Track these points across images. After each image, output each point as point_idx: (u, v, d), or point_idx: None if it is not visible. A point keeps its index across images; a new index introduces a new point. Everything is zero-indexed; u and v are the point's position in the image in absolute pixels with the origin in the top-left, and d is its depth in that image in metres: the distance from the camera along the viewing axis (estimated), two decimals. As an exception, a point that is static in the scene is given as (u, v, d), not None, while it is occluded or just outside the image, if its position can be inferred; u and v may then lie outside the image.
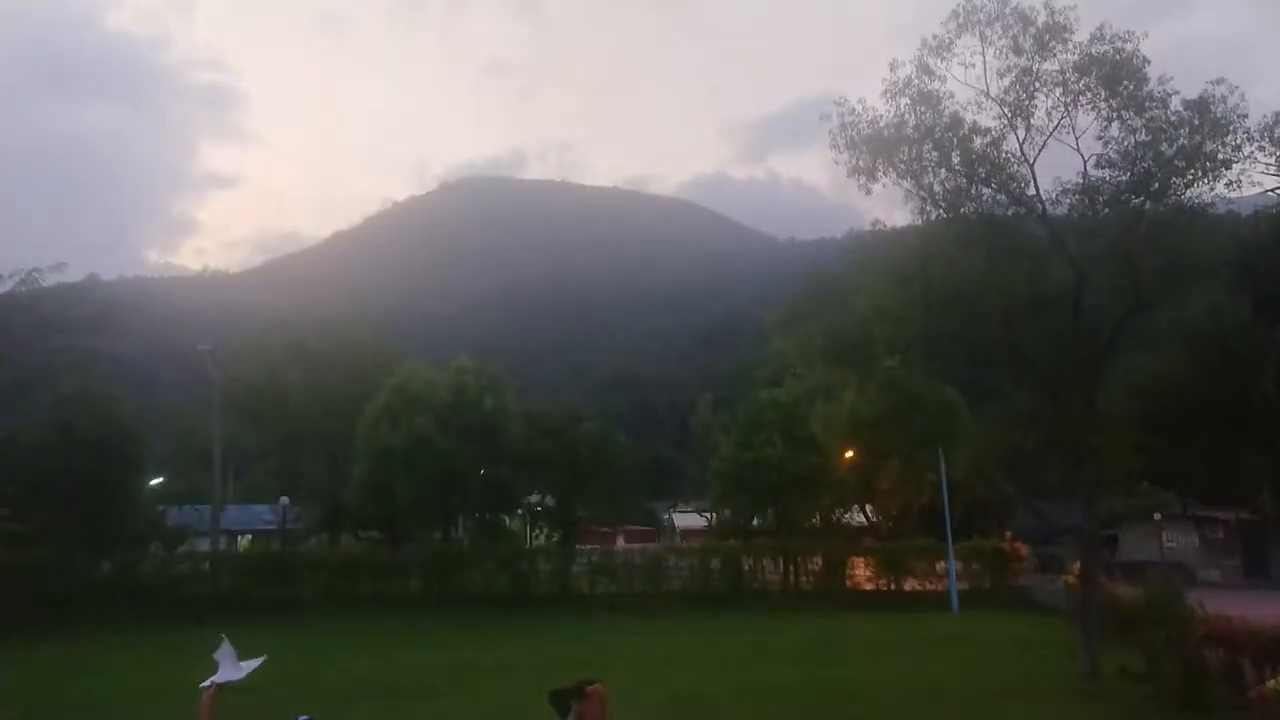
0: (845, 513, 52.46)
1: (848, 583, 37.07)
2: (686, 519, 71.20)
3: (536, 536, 55.62)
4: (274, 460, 53.37)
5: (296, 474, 46.83)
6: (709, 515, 59.45)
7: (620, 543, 56.41)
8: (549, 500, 49.99)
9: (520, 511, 50.16)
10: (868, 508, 51.42)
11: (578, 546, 41.96)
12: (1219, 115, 17.37)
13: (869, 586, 36.94)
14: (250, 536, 58.17)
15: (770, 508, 49.95)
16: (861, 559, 38.15)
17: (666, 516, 76.77)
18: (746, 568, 37.10)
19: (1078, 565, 23.50)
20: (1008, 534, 43.84)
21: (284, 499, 45.91)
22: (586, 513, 50.33)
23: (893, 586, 36.58)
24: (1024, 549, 40.35)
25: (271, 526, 51.16)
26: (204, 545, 39.20)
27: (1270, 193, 12.73)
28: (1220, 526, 43.34)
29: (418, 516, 41.86)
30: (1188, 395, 12.38)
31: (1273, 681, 10.73)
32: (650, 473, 67.14)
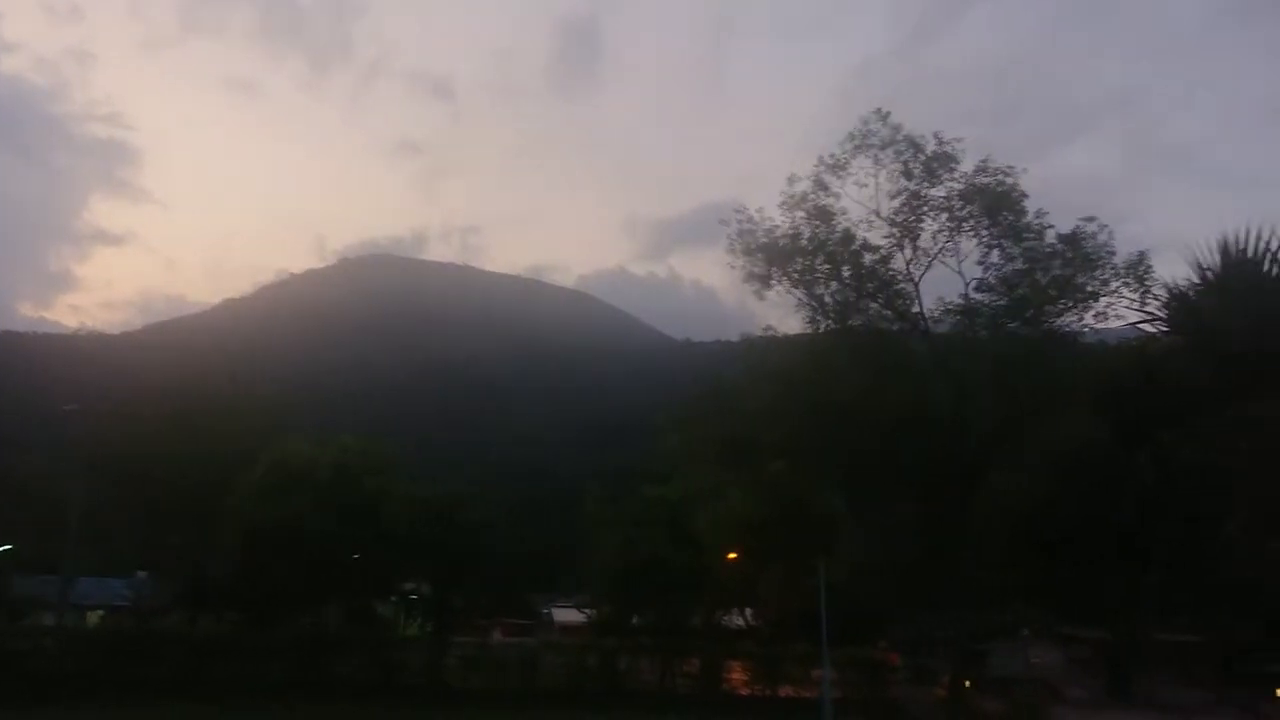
0: (726, 614, 52.21)
1: (724, 686, 36.67)
2: (566, 614, 69.87)
3: (409, 625, 53.78)
4: (137, 531, 50.72)
5: (160, 546, 44.52)
6: (589, 611, 58.50)
7: (496, 635, 54.93)
8: (424, 588, 48.54)
9: (394, 599, 48.55)
10: (748, 611, 51.31)
11: (452, 638, 40.68)
12: (1089, 250, 18.50)
13: (745, 691, 36.60)
14: (102, 612, 54.75)
15: (652, 606, 49.38)
16: (739, 662, 37.85)
17: (546, 610, 75.22)
18: (623, 666, 36.44)
19: (948, 678, 23.85)
20: (881, 644, 44.18)
21: (140, 573, 43.51)
22: (463, 602, 48.97)
23: (768, 692, 36.32)
24: (895, 658, 40.66)
25: (126, 603, 48.29)
26: (52, 618, 36.74)
27: (1131, 326, 13.48)
28: (1087, 645, 44.49)
29: (287, 598, 40.10)
30: (1054, 515, 12.83)
31: None
32: (533, 564, 65.93)
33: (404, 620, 54.18)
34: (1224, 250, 10.96)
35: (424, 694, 33.40)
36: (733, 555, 44.45)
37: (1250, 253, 10.86)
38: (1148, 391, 11.10)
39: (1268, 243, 10.77)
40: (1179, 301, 11.94)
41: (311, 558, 37.37)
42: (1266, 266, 10.72)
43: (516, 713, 30.73)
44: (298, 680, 33.17)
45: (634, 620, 50.15)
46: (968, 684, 29.40)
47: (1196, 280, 11.44)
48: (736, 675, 37.36)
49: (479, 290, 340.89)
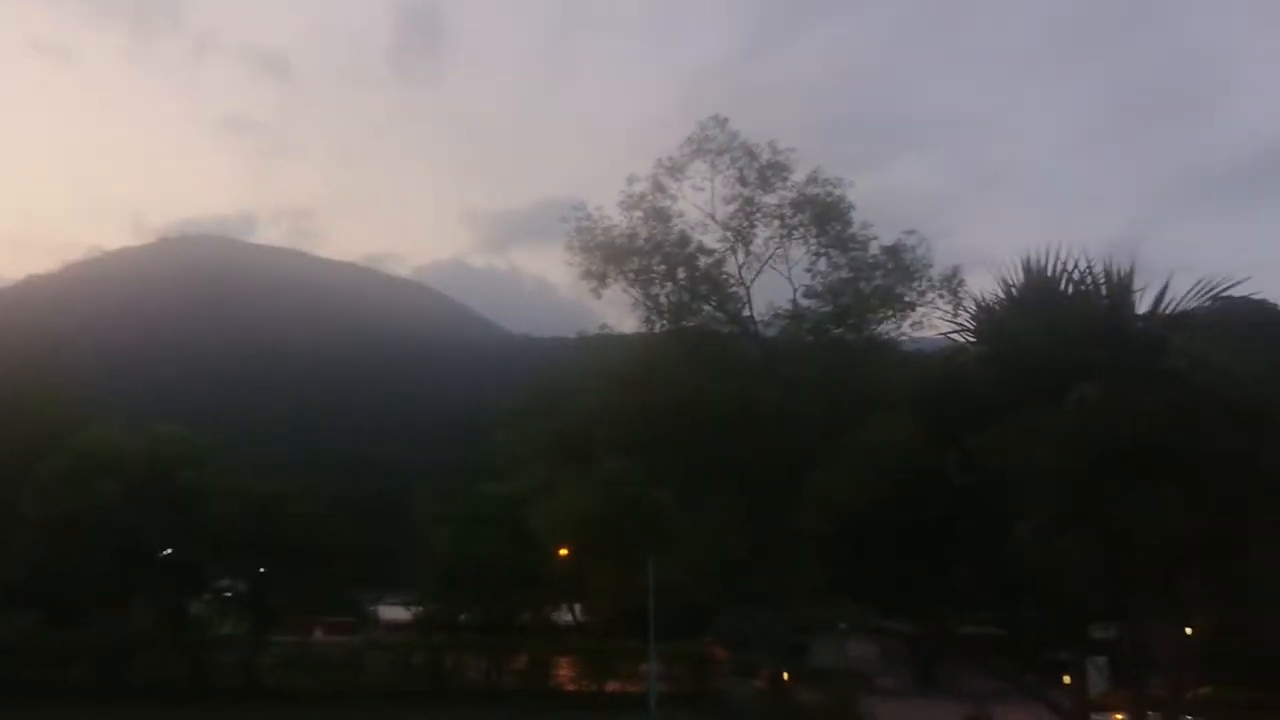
0: (556, 611, 52.30)
1: (552, 682, 36.76)
2: (393, 612, 68.38)
3: (223, 624, 51.41)
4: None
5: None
6: (416, 609, 57.45)
7: (318, 634, 53.17)
8: (241, 585, 46.49)
9: (208, 596, 46.28)
10: (579, 607, 51.53)
11: (271, 637, 39.17)
12: (909, 263, 19.51)
13: (572, 687, 36.80)
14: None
15: (481, 603, 48.97)
16: (566, 658, 38.02)
17: (372, 609, 73.34)
18: (449, 664, 36.00)
19: (768, 671, 24.71)
20: (707, 638, 45.18)
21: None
22: (283, 600, 47.17)
23: (596, 687, 36.62)
24: (720, 652, 41.70)
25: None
26: None
27: (944, 335, 14.26)
28: (899, 638, 46.79)
29: (91, 595, 37.68)
30: (870, 515, 13.47)
31: None
32: (360, 561, 64.13)
33: (219, 619, 51.76)
34: (1027, 268, 11.68)
35: (240, 695, 32.10)
36: (564, 552, 44.58)
37: (1049, 271, 11.61)
38: (955, 398, 11.73)
39: (1064, 263, 11.52)
40: (985, 314, 12.68)
41: (118, 552, 35.25)
42: (1062, 285, 11.45)
43: (339, 712, 29.94)
44: (101, 682, 31.29)
45: (462, 618, 49.61)
46: (786, 676, 30.45)
47: (1002, 295, 12.16)
48: (564, 671, 37.53)
49: (310, 277, 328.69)
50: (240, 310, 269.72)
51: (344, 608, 64.76)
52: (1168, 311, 10.71)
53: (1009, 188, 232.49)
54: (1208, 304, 10.79)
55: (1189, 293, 10.76)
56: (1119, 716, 12.06)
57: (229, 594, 46.82)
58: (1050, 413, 10.04)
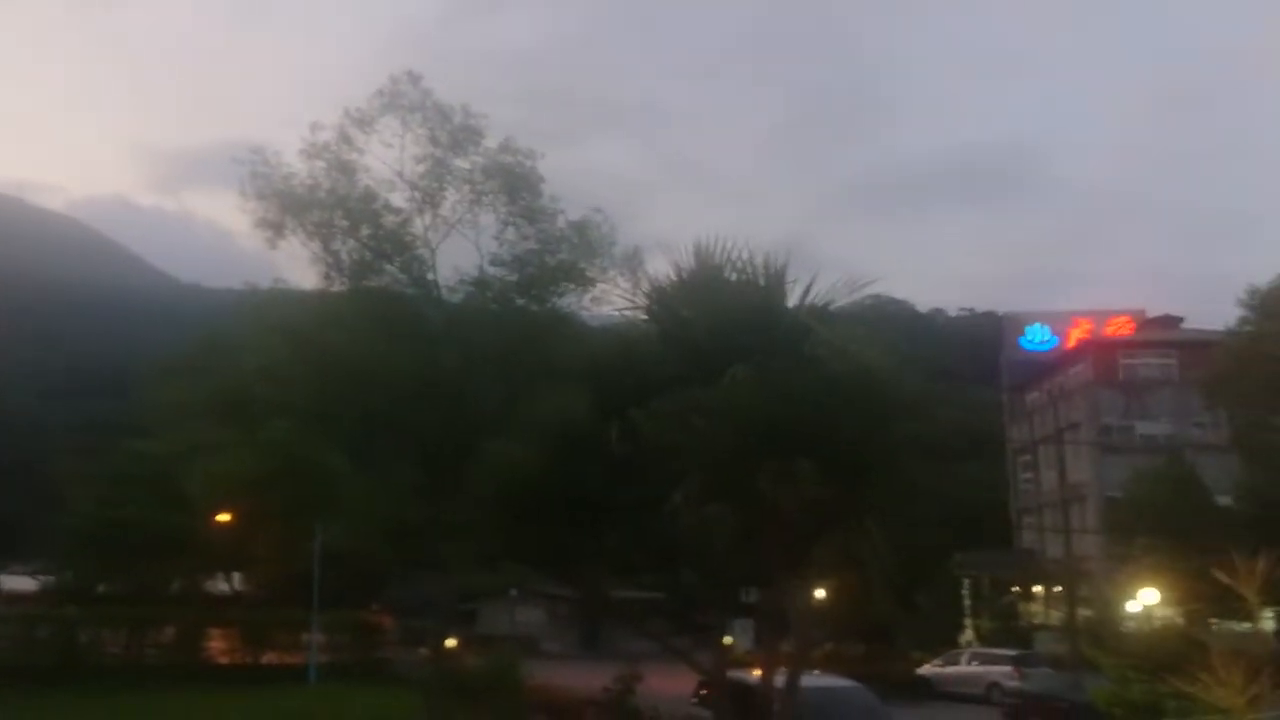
0: (213, 579, 49.20)
1: (202, 655, 34.49)
2: (18, 581, 61.39)
3: None
4: None
5: None
6: (45, 578, 51.95)
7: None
8: None
9: None
10: (238, 576, 48.78)
11: None
12: (594, 240, 20.01)
13: (225, 660, 34.73)
14: None
15: (127, 572, 45.06)
16: (220, 630, 35.82)
17: (-9, 577, 65.45)
18: (85, 638, 32.81)
19: (435, 638, 24.65)
20: (375, 606, 44.42)
21: None
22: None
23: (251, 660, 34.80)
24: (388, 620, 41.13)
25: None
26: None
27: (620, 312, 14.80)
28: (565, 603, 48.36)
29: None
30: (537, 482, 13.75)
31: None
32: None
33: None
34: (698, 254, 12.32)
35: None
36: (225, 517, 41.95)
37: (717, 259, 12.32)
38: (624, 373, 12.19)
39: (730, 253, 12.26)
40: (658, 295, 13.24)
41: None
42: (727, 273, 12.18)
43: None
44: None
45: (101, 588, 45.44)
46: (453, 643, 30.52)
47: (674, 278, 12.76)
48: (217, 644, 35.34)
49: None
50: None
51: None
52: (814, 304, 11.70)
53: (696, 178, 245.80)
54: (849, 299, 11.90)
55: (834, 288, 11.81)
56: (757, 672, 13.10)
57: None
58: (708, 390, 10.69)
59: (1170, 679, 5.72)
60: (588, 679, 19.14)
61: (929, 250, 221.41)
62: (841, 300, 11.69)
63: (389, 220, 20.06)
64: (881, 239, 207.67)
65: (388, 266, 20.38)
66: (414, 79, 19.60)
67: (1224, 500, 38.27)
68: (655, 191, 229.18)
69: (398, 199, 20.28)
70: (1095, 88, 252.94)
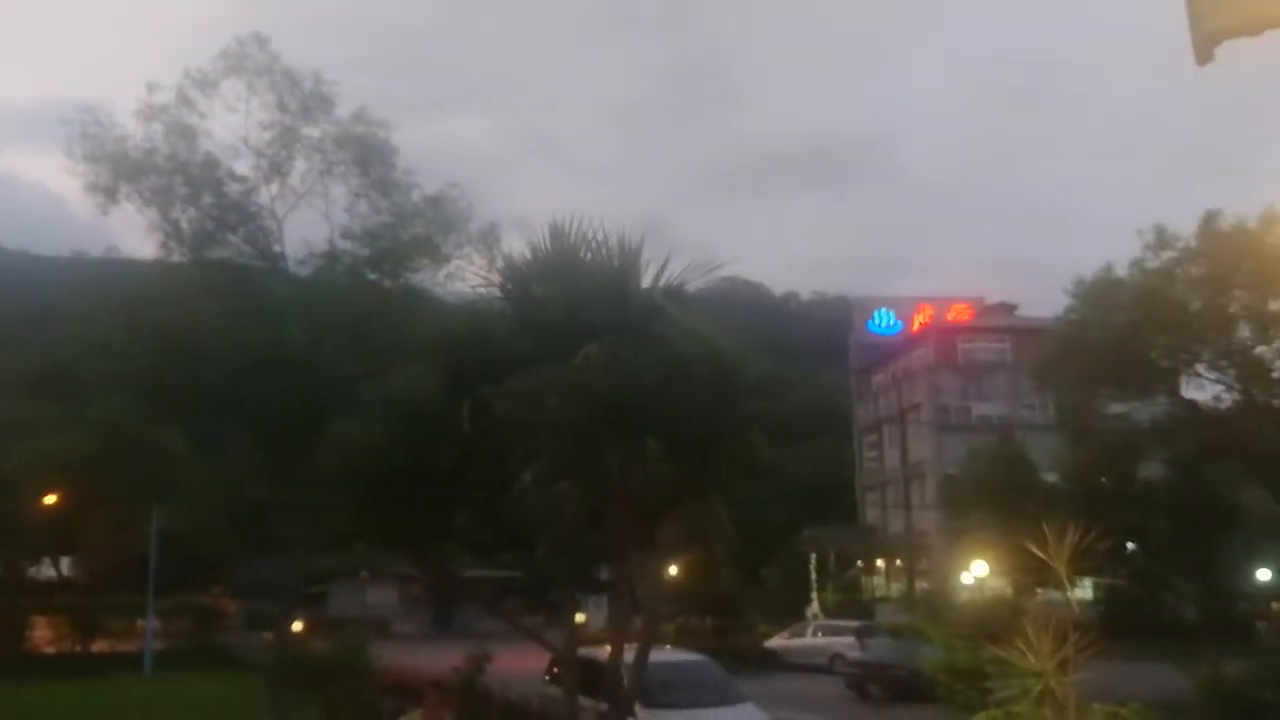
0: (37, 565, 46.35)
1: (25, 645, 32.59)
2: None
3: None
4: None
5: None
6: None
7: None
8: None
9: None
10: (65, 561, 46.13)
11: None
12: (449, 215, 19.58)
13: (51, 649, 32.92)
14: None
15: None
16: (46, 618, 33.92)
17: None
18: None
19: (281, 622, 23.97)
20: (215, 589, 42.84)
21: None
22: None
23: (79, 648, 33.10)
24: (230, 604, 39.79)
25: None
26: None
27: (474, 289, 14.62)
28: (417, 583, 47.72)
29: None
30: (389, 461, 13.50)
31: None
32: None
33: None
34: (554, 233, 12.30)
35: None
36: (50, 499, 39.53)
37: (572, 238, 12.33)
38: (477, 351, 12.09)
39: (586, 232, 12.29)
40: (512, 273, 13.16)
41: None
42: (582, 252, 12.21)
43: None
44: None
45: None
46: (299, 626, 29.68)
47: (529, 256, 12.69)
48: (42, 633, 33.46)
49: None
50: None
51: None
52: (668, 285, 11.85)
53: (555, 155, 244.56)
54: (702, 280, 12.10)
55: (688, 269, 11.98)
56: (608, 648, 13.26)
57: None
58: (560, 369, 10.69)
59: (990, 646, 6.05)
60: (440, 660, 18.95)
61: (784, 234, 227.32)
62: (695, 282, 11.87)
63: (233, 189, 19.15)
64: (739, 222, 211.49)
65: (231, 237, 19.46)
66: (260, 41, 18.75)
67: (1050, 477, 40.81)
68: (514, 168, 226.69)
69: (242, 167, 19.38)
70: (938, 84, 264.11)
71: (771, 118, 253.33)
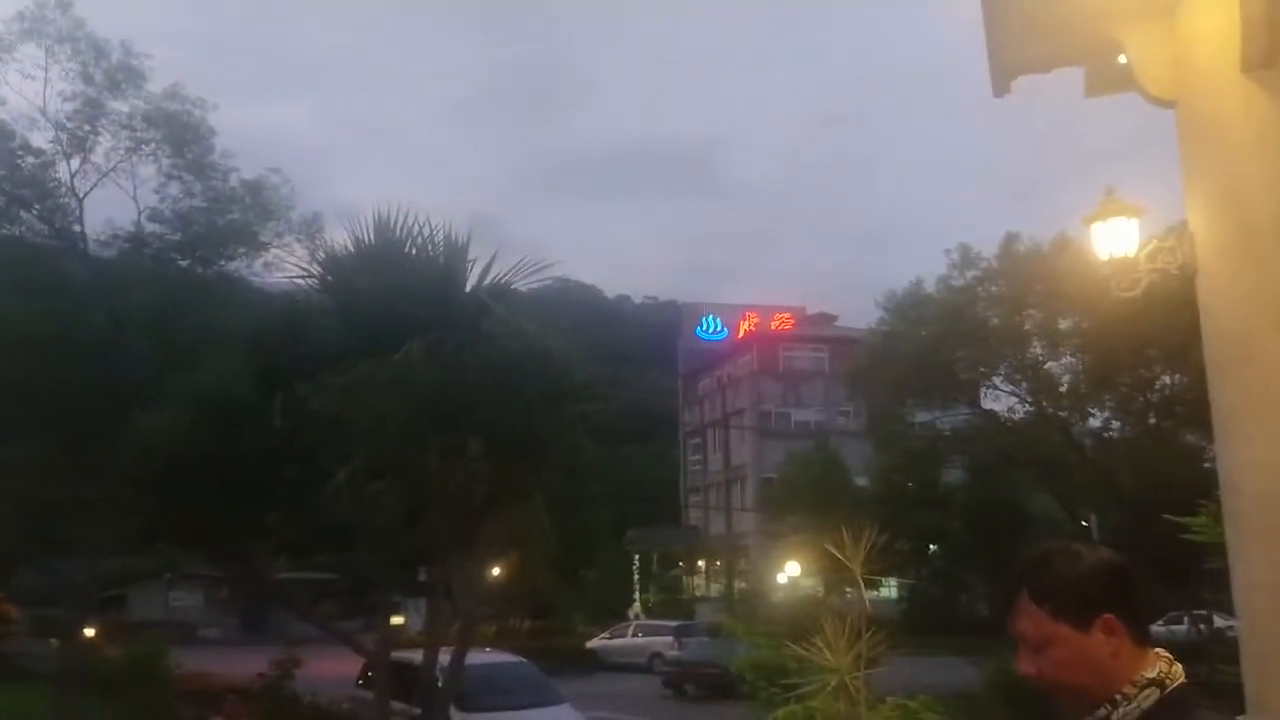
0: None
1: None
2: None
3: None
4: None
5: None
6: None
7: None
8: None
9: None
10: None
11: None
12: (269, 202, 18.81)
13: None
14: None
15: None
16: None
17: None
18: None
19: (71, 628, 22.41)
20: (0, 595, 39.63)
21: None
22: None
23: None
24: (14, 610, 36.92)
25: None
26: None
27: (292, 280, 14.11)
28: (226, 585, 45.52)
29: None
30: (193, 457, 12.77)
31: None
32: None
33: None
34: (379, 226, 12.01)
35: None
36: None
37: (398, 232, 12.08)
38: (292, 343, 11.66)
39: (412, 226, 12.07)
40: (334, 265, 12.77)
41: None
42: (407, 247, 11.99)
43: None
44: None
45: None
46: (91, 632, 27.82)
47: (352, 249, 12.35)
48: None
49: None
50: None
51: None
52: (495, 283, 11.76)
53: (387, 146, 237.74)
54: (532, 280, 12.06)
55: (517, 268, 11.92)
56: (423, 652, 13.03)
57: None
58: (380, 364, 10.44)
59: (793, 644, 6.28)
60: (247, 666, 18.17)
61: (620, 237, 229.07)
62: (524, 281, 11.82)
63: (28, 162, 17.79)
64: (575, 223, 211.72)
65: (25, 214, 18.07)
66: (63, 5, 17.48)
67: (862, 481, 42.75)
68: (342, 158, 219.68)
69: (39, 139, 18.02)
70: (768, 97, 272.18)
71: (610, 120, 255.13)
